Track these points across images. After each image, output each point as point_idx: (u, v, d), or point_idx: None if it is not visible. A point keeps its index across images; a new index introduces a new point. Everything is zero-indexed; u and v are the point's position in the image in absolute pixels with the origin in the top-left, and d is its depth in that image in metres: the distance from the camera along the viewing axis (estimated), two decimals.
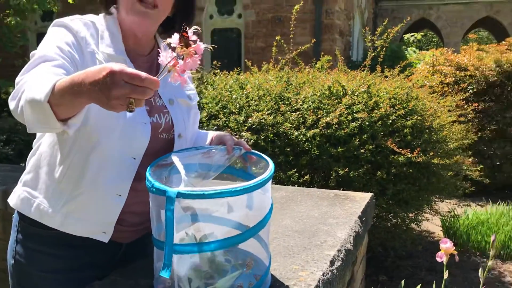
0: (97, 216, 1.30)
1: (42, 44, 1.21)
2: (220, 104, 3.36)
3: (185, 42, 1.06)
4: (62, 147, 1.27)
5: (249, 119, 3.19)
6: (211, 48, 1.11)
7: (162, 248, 1.14)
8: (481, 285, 1.95)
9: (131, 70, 0.91)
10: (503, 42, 7.61)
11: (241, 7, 10.60)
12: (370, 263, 4.08)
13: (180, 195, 1.11)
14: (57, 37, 1.22)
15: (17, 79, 1.10)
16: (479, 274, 2.01)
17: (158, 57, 1.07)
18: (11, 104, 1.07)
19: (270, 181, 1.29)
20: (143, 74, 0.91)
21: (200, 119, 3.26)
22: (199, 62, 1.07)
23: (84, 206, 1.28)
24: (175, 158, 1.31)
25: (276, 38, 4.02)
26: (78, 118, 1.04)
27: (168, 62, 1.06)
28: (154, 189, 1.15)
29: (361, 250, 2.16)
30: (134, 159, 1.30)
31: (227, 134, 1.41)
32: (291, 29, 4.07)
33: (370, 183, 3.17)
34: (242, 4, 10.50)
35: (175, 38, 1.07)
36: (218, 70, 3.97)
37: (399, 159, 3.11)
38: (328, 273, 1.41)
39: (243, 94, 3.40)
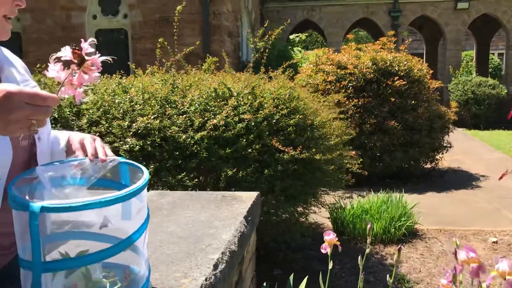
0: None
1: None
2: (102, 109, 3.22)
3: (80, 55, 1.02)
4: None
5: (134, 124, 3.10)
6: (110, 60, 1.06)
7: (29, 268, 1.07)
8: (360, 271, 2.09)
9: (30, 89, 0.86)
10: (377, 41, 8.23)
11: (126, 7, 10.28)
12: (264, 259, 4.18)
13: (44, 209, 1.04)
14: None
15: None
16: (358, 261, 2.15)
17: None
18: None
19: (146, 190, 1.26)
20: (44, 92, 0.86)
21: (81, 126, 3.10)
22: (97, 75, 1.03)
23: None
24: (41, 172, 1.22)
25: (160, 40, 3.96)
26: None
27: (66, 78, 1.02)
28: (16, 205, 1.07)
29: (249, 249, 2.20)
30: None
31: (86, 137, 1.33)
32: (174, 30, 4.02)
33: (259, 182, 3.24)
34: (127, 4, 10.19)
35: (67, 51, 1.03)
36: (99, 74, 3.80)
37: (284, 156, 3.21)
38: (211, 277, 1.41)
39: (126, 98, 3.29)
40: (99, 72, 1.10)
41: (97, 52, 1.08)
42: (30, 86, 1.33)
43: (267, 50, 3.95)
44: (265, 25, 4.18)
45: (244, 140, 3.19)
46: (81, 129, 3.08)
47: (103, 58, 1.07)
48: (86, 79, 1.05)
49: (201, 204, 2.24)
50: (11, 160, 1.20)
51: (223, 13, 9.81)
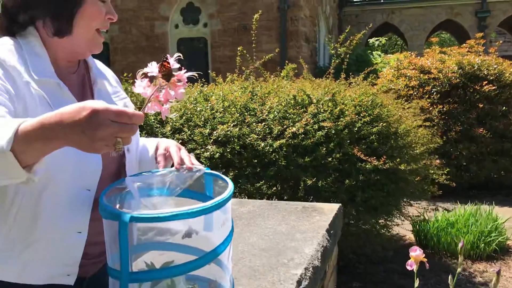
0: (58, 260, 1.20)
1: None
2: (184, 117, 3.29)
3: (166, 71, 1.02)
4: (2, 192, 1.14)
5: (215, 132, 3.14)
6: (196, 75, 1.06)
7: (117, 277, 1.08)
8: None
9: (116, 107, 0.86)
10: (464, 44, 7.79)
11: (206, 16, 10.55)
12: (343, 271, 4.06)
13: (133, 219, 1.04)
14: None
15: None
16: (449, 281, 2.01)
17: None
18: None
19: (230, 202, 1.24)
20: (130, 110, 0.86)
21: (164, 133, 3.19)
22: (183, 91, 1.03)
23: (43, 252, 1.18)
24: (129, 182, 1.24)
25: (239, 48, 3.99)
26: (43, 161, 0.93)
27: (152, 94, 1.02)
28: (106, 214, 1.08)
29: (330, 263, 2.13)
30: (89, 190, 1.22)
31: (172, 145, 1.32)
32: (253, 38, 4.04)
33: (339, 191, 3.15)
34: (208, 13, 10.46)
35: (153, 67, 1.03)
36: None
37: (367, 166, 3.10)
38: None
39: (207, 106, 3.34)
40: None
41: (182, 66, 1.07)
42: (121, 97, 1.36)
43: (347, 56, 3.85)
44: (346, 31, 4.08)
45: (324, 149, 3.12)
46: (164, 136, 3.16)
47: (189, 74, 1.06)
48: (172, 96, 1.04)
49: (281, 214, 2.20)
50: (101, 172, 1.23)
51: (300, 18, 9.77)
